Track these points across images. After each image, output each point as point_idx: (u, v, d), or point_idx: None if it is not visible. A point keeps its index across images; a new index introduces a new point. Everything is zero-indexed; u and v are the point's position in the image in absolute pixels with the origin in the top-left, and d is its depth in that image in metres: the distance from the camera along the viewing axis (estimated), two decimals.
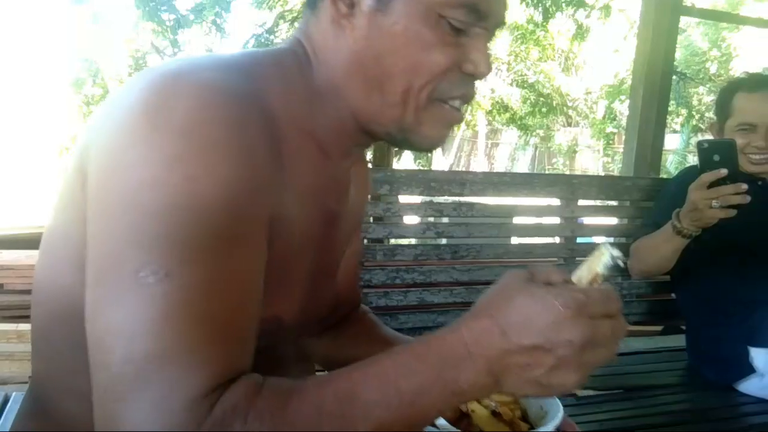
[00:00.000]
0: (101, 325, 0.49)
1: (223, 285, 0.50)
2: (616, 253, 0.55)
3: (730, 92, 1.61)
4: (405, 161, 16.90)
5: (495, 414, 0.70)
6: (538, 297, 0.50)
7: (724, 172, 1.36)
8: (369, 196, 0.89)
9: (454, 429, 0.67)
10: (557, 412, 0.70)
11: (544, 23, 5.33)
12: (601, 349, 0.51)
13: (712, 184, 1.36)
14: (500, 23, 0.66)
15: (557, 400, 0.72)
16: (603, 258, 0.55)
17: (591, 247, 2.02)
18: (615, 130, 13.40)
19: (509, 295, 0.52)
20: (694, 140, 12.12)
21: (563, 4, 5.19)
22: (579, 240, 1.83)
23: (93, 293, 0.50)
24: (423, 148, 0.69)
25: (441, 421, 0.67)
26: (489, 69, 0.64)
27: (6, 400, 1.20)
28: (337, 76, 0.64)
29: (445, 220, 1.83)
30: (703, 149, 1.41)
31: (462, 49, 0.63)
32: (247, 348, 0.52)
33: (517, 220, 1.84)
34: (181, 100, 0.52)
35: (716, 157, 1.38)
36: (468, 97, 0.66)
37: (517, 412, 0.72)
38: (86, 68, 8.88)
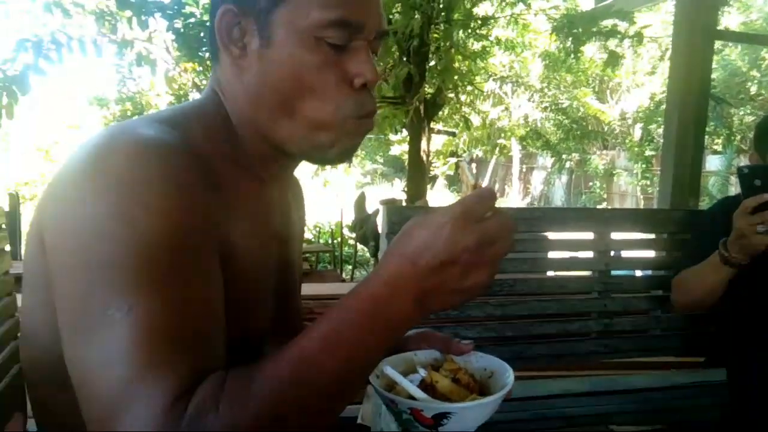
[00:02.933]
0: (81, 363, 0.55)
1: (179, 306, 0.56)
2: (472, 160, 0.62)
3: None
4: (438, 189, 16.92)
5: (455, 380, 0.79)
6: (429, 221, 0.57)
7: (766, 196, 1.35)
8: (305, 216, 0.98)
9: (426, 396, 0.76)
10: (505, 371, 0.80)
11: (576, 52, 5.33)
12: (497, 243, 0.57)
13: (756, 210, 1.35)
14: (379, 31, 0.72)
15: (499, 360, 0.83)
16: (468, 170, 0.61)
17: (628, 279, 2.00)
18: (653, 153, 13.17)
19: (407, 230, 0.58)
20: (736, 162, 11.82)
21: (594, 36, 5.18)
22: (614, 272, 1.83)
23: (69, 337, 0.57)
24: (332, 162, 0.76)
25: (418, 393, 0.75)
26: (376, 75, 0.70)
27: None
28: (247, 111, 0.72)
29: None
30: (744, 175, 1.40)
31: (347, 63, 0.69)
32: (212, 353, 0.58)
33: (551, 254, 1.84)
34: (116, 156, 0.59)
35: (757, 182, 1.37)
36: (369, 110, 0.72)
37: (467, 377, 0.81)
38: (132, 106, 9.29)
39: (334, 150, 0.72)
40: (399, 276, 0.57)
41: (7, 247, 1.28)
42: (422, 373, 0.82)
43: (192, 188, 0.60)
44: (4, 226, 1.29)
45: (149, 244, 0.56)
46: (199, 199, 0.61)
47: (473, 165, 17.61)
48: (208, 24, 0.75)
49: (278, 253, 0.79)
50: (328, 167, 7.88)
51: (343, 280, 4.74)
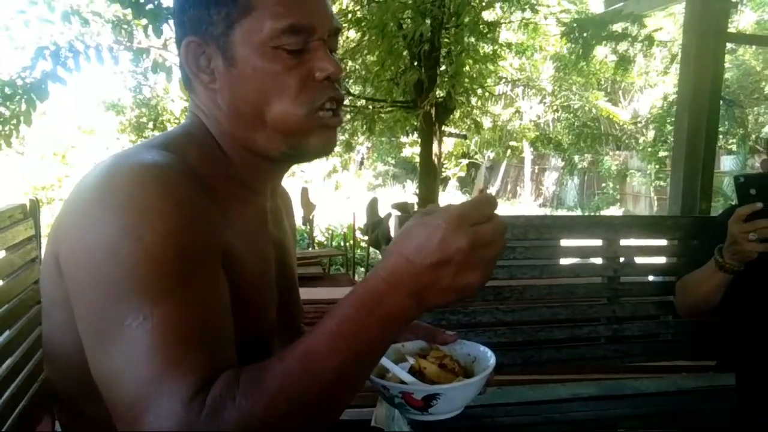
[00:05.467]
0: (107, 371, 0.61)
1: (191, 310, 0.61)
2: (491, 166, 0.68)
3: None
4: (450, 191, 16.90)
5: (441, 366, 0.85)
6: (426, 223, 0.61)
7: (759, 205, 1.37)
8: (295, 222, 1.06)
9: (414, 379, 0.82)
10: (487, 354, 0.88)
11: (587, 56, 5.34)
12: (490, 246, 0.61)
13: (751, 218, 1.38)
14: (331, 29, 0.78)
15: (482, 345, 0.91)
16: (482, 174, 0.66)
17: (637, 285, 2.01)
18: (666, 153, 13.07)
19: (406, 230, 0.63)
20: (750, 162, 11.70)
21: (604, 39, 5.18)
22: (622, 279, 1.85)
23: (92, 349, 0.63)
24: (316, 156, 0.82)
25: (408, 378, 0.81)
26: (337, 68, 0.76)
27: None
28: (228, 128, 0.78)
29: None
30: (740, 183, 1.43)
31: (307, 63, 0.75)
32: (224, 351, 0.64)
33: (561, 260, 1.88)
34: (121, 180, 0.66)
35: (753, 191, 1.40)
36: (336, 98, 0.78)
37: (452, 363, 0.88)
38: (147, 113, 9.42)
39: (311, 145, 0.79)
40: (396, 272, 0.61)
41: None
42: (411, 361, 0.88)
43: (191, 202, 0.66)
44: (32, 234, 1.35)
45: (156, 256, 0.61)
46: (198, 211, 0.67)
47: (484, 169, 17.57)
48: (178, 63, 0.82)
49: (277, 256, 0.86)
50: (339, 169, 7.92)
51: (355, 283, 4.78)
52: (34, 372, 1.22)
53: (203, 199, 0.69)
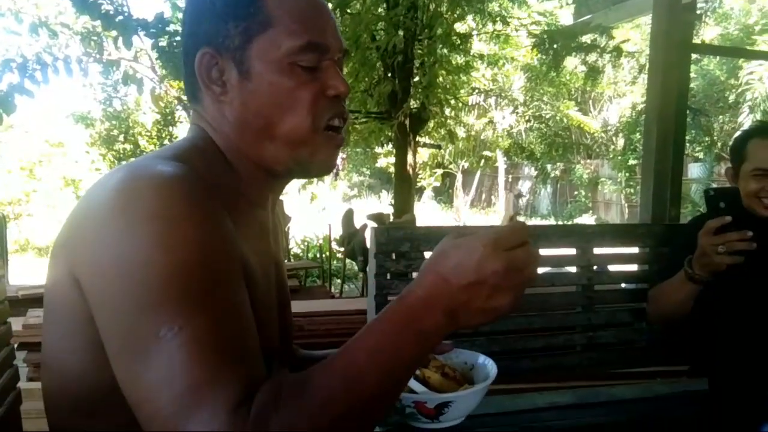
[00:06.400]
0: (139, 384, 0.59)
1: (224, 320, 0.61)
2: (519, 193, 0.70)
3: (744, 139, 1.68)
4: (425, 201, 16.97)
5: (444, 375, 0.88)
6: (463, 244, 0.63)
7: (728, 219, 1.41)
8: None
9: (425, 389, 0.85)
10: (485, 361, 0.92)
11: (557, 67, 5.44)
12: (522, 272, 0.63)
13: (720, 231, 1.41)
14: (341, 49, 0.81)
15: (476, 353, 0.94)
16: (510, 201, 0.68)
17: (611, 293, 2.03)
18: (636, 162, 13.35)
19: (443, 250, 0.64)
20: (717, 169, 12.01)
21: (573, 50, 5.29)
22: (596, 288, 1.88)
23: (122, 361, 0.61)
24: (320, 174, 0.85)
25: (419, 387, 0.84)
26: (346, 87, 0.79)
27: None
28: (234, 140, 0.79)
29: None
30: (710, 197, 1.47)
31: (319, 80, 0.77)
32: (258, 363, 0.64)
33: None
34: (145, 192, 0.64)
35: (722, 204, 1.44)
36: (342, 114, 0.80)
37: (452, 371, 0.91)
38: (117, 126, 9.29)
39: (315, 163, 0.80)
40: (433, 290, 0.62)
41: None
42: (416, 371, 0.89)
43: (216, 215, 0.67)
44: None
45: (188, 267, 0.61)
46: (223, 224, 0.67)
47: (459, 179, 17.69)
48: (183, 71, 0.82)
49: (276, 273, 0.87)
50: (314, 181, 7.91)
51: (332, 296, 4.75)
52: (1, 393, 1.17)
53: (223, 211, 0.69)
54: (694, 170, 12.86)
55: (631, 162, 13.85)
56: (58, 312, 0.72)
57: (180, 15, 5.31)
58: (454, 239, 0.65)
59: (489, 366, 0.90)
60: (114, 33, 5.06)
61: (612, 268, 2.09)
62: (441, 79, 6.38)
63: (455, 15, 6.00)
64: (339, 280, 6.32)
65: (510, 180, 18.48)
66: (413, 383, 0.86)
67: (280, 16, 0.75)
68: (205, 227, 0.64)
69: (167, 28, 5.09)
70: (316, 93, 0.77)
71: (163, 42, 5.10)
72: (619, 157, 14.44)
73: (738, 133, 1.75)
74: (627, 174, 14.29)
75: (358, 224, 5.76)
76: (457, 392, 0.84)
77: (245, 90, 0.76)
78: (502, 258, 0.61)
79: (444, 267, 0.62)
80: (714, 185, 12.17)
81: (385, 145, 7.93)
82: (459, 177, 17.58)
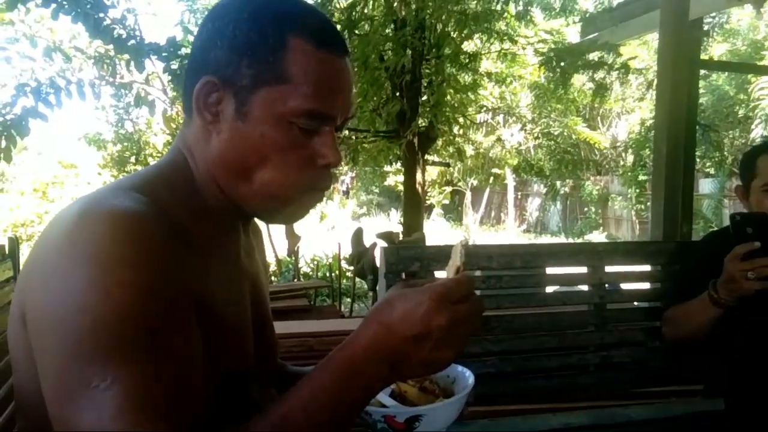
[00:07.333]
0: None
1: (158, 371, 0.60)
2: (467, 242, 0.73)
3: (753, 155, 1.67)
4: (434, 219, 16.95)
5: (422, 389, 0.87)
6: (410, 296, 0.63)
7: (757, 244, 1.40)
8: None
9: (395, 402, 0.84)
10: (465, 374, 0.89)
11: (565, 84, 5.46)
12: (466, 325, 0.64)
13: (747, 256, 1.40)
14: (347, 116, 0.79)
15: (459, 366, 0.91)
16: (459, 251, 0.70)
17: (624, 312, 2.01)
18: (646, 177, 13.29)
19: (388, 299, 0.65)
20: (728, 184, 11.92)
21: (580, 68, 5.31)
22: (609, 306, 1.86)
23: (56, 410, 0.60)
24: (283, 222, 0.84)
25: (388, 401, 0.83)
26: (339, 159, 0.77)
27: None
28: (211, 170, 0.77)
29: (476, 292, 1.88)
30: (737, 222, 1.46)
31: (313, 146, 0.75)
32: (193, 410, 0.62)
33: (548, 288, 1.88)
34: (90, 230, 0.62)
35: (749, 230, 1.43)
36: (326, 186, 0.80)
37: (432, 385, 0.90)
38: (129, 147, 9.39)
39: (285, 213, 0.79)
40: (375, 341, 0.63)
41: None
42: (392, 385, 0.88)
43: (162, 252, 0.64)
44: (10, 276, 1.32)
45: (124, 314, 0.59)
46: (171, 261, 0.64)
47: (468, 197, 17.70)
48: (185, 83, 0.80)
49: (251, 289, 0.86)
50: (324, 200, 7.93)
51: (342, 316, 4.74)
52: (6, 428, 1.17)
53: (175, 244, 0.67)
54: (705, 186, 12.79)
55: (641, 178, 13.80)
56: (15, 349, 0.71)
57: (191, 38, 5.39)
58: (401, 289, 0.65)
59: (467, 377, 0.89)
60: (126, 56, 5.14)
61: (624, 286, 2.07)
62: (449, 97, 6.41)
63: (463, 35, 6.05)
64: (349, 299, 6.31)
65: (519, 197, 18.44)
66: (383, 397, 0.85)
67: (297, 75, 0.72)
68: (147, 269, 0.62)
69: (179, 52, 5.17)
70: (305, 159, 0.75)
71: (174, 65, 5.17)
72: (629, 173, 14.39)
73: (747, 150, 1.75)
74: (637, 190, 14.23)
75: (367, 243, 5.76)
76: (428, 405, 0.82)
77: (236, 129, 0.74)
78: (449, 311, 0.62)
79: (388, 317, 0.63)
80: (726, 201, 12.10)
81: (393, 163, 7.95)
82: (468, 194, 17.59)
